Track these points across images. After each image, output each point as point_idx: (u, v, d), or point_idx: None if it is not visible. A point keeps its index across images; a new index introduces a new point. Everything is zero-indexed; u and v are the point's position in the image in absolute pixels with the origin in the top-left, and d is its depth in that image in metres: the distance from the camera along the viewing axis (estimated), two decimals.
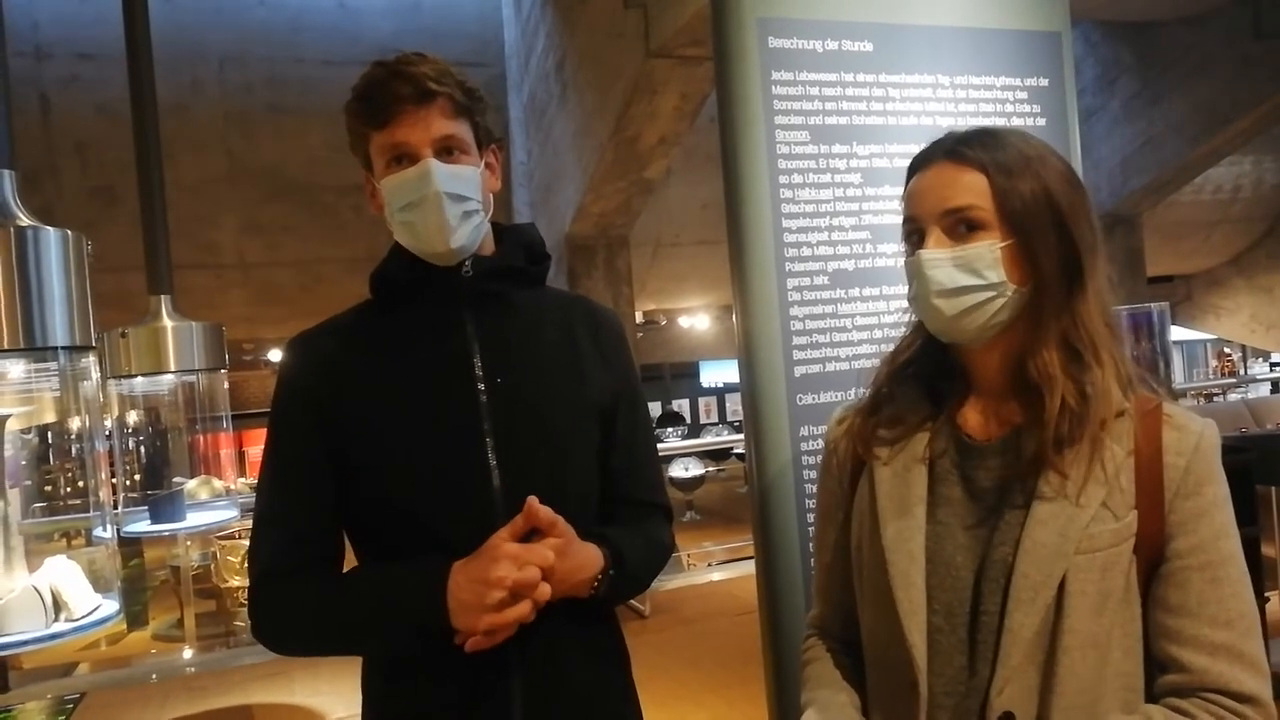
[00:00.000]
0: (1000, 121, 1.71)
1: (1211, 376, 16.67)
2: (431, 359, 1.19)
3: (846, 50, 1.64)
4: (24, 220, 1.97)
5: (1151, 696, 0.98)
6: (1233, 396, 10.34)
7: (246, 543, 1.23)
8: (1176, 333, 12.64)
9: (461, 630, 1.08)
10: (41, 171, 6.27)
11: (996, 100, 1.73)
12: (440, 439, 1.16)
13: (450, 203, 1.14)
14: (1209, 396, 10.68)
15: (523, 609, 1.08)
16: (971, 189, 1.01)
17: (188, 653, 4.99)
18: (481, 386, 1.18)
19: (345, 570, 1.21)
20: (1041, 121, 1.75)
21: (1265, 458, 3.67)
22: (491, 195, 1.24)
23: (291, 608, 1.16)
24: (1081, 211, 1.02)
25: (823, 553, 1.22)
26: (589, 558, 1.16)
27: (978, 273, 1.00)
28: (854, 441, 1.13)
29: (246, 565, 1.23)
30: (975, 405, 1.07)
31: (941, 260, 1.01)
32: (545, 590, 1.09)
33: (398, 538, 1.16)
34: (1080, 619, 0.95)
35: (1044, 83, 1.77)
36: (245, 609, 1.23)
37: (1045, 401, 0.99)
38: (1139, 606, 0.98)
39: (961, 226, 1.01)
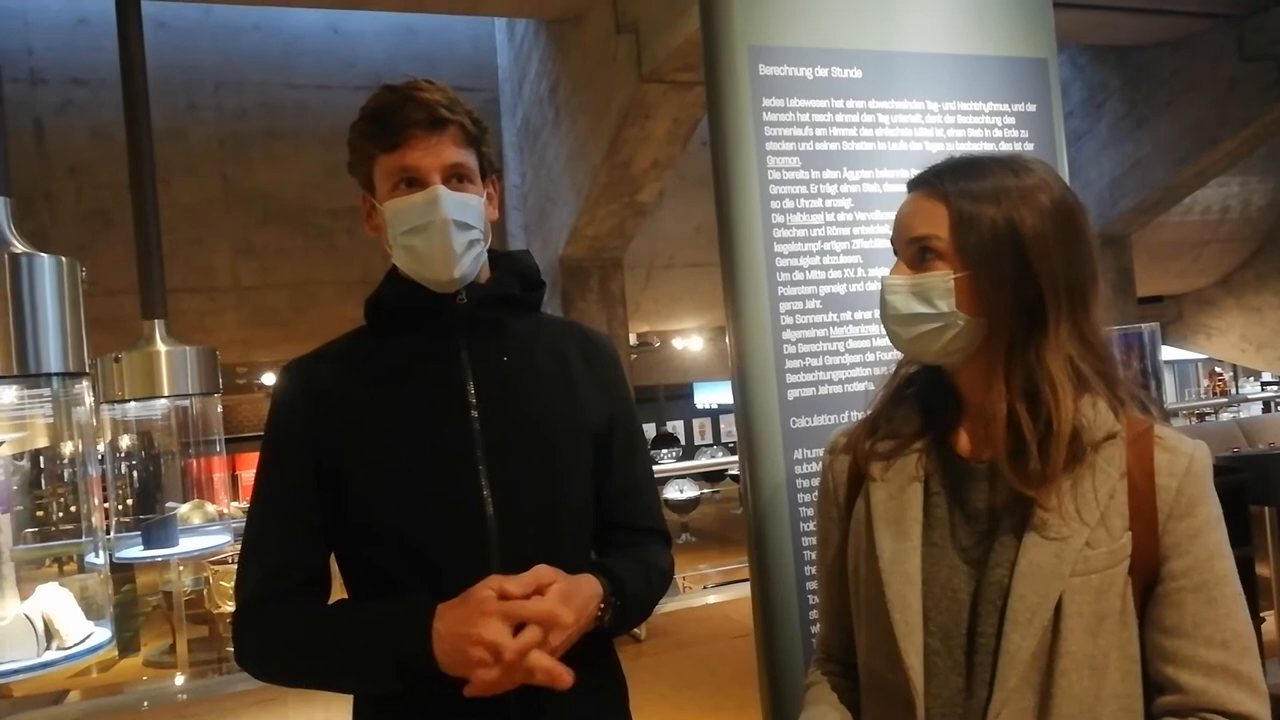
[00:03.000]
0: (988, 146, 1.73)
1: (1203, 396, 16.72)
2: (425, 387, 1.19)
3: (836, 77, 1.66)
4: (18, 247, 1.98)
5: (1150, 717, 0.99)
6: (1225, 416, 10.37)
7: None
8: (1168, 352, 12.68)
9: (453, 674, 1.05)
10: (35, 196, 6.27)
11: (985, 125, 1.75)
12: (433, 467, 1.16)
13: (457, 230, 1.15)
14: (1201, 416, 10.72)
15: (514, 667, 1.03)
16: (932, 220, 1.04)
17: (179, 679, 4.94)
18: (475, 414, 1.18)
19: (332, 601, 1.19)
20: (1030, 146, 1.77)
21: (1258, 477, 3.68)
22: (489, 224, 1.24)
23: (275, 636, 1.14)
24: (1056, 249, 1.01)
25: (822, 575, 1.23)
26: (588, 593, 1.13)
27: (930, 301, 1.03)
28: (855, 456, 1.14)
29: (234, 589, 1.21)
30: (967, 426, 1.09)
31: (899, 287, 1.05)
32: (535, 642, 1.05)
33: (389, 566, 1.15)
34: (1077, 641, 0.95)
35: (1031, 108, 1.79)
36: None
37: (992, 432, 1.01)
38: (1136, 628, 0.99)
39: (921, 256, 1.04)
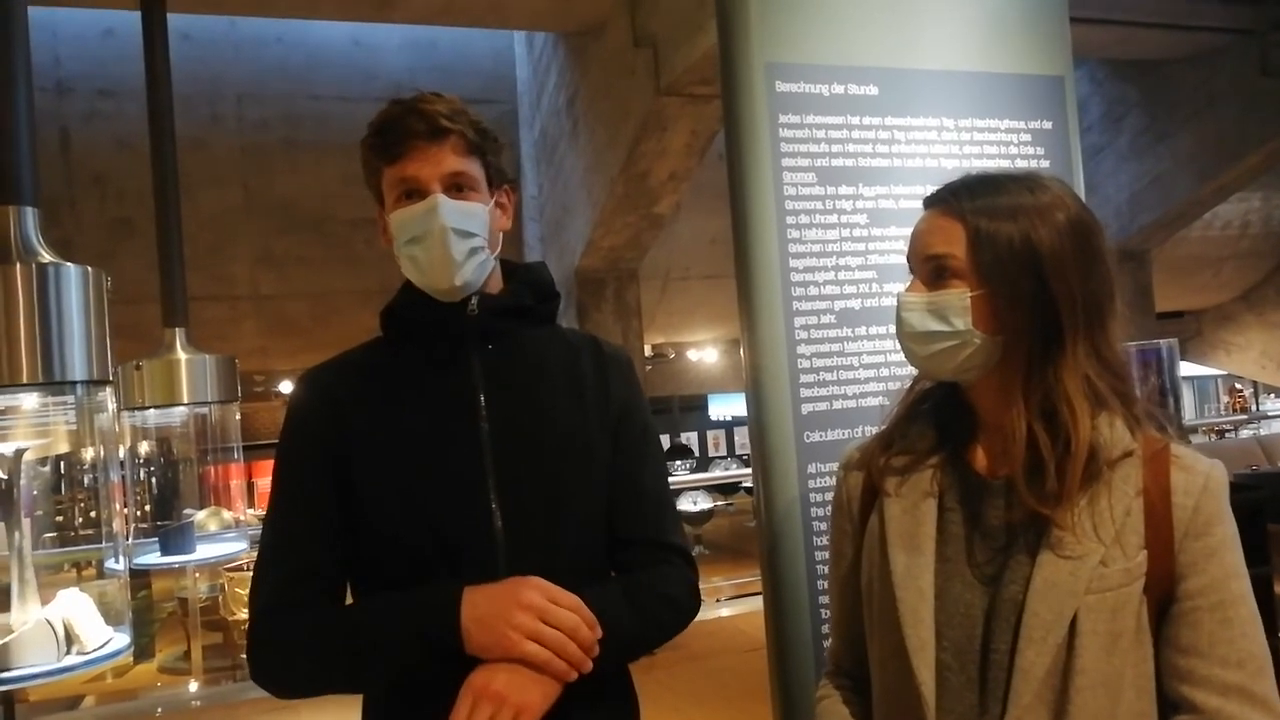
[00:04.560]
0: (1004, 164, 1.73)
1: (1223, 413, 16.56)
2: (436, 398, 1.20)
3: (853, 94, 1.67)
4: (46, 257, 2.01)
5: None
6: (1245, 433, 10.28)
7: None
8: (1188, 368, 12.57)
9: (476, 653, 1.05)
10: (61, 204, 6.36)
11: (1001, 143, 1.75)
12: (442, 480, 1.16)
13: (456, 238, 1.15)
14: (1221, 433, 10.62)
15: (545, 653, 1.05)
16: (949, 238, 1.04)
17: (194, 685, 4.97)
18: (485, 426, 1.18)
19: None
20: (1046, 163, 1.77)
21: (1277, 496, 3.64)
22: (501, 234, 1.25)
23: (292, 637, 1.13)
24: (1073, 267, 1.01)
25: (834, 589, 1.23)
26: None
27: (946, 319, 1.03)
28: (870, 471, 1.15)
29: (249, 597, 1.21)
30: (983, 442, 1.09)
31: (915, 305, 1.05)
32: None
33: (397, 576, 1.15)
34: (1092, 658, 0.95)
35: (1048, 125, 1.79)
36: None
37: (1010, 450, 1.02)
38: (1151, 646, 0.99)
39: (937, 274, 1.05)
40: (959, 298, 1.03)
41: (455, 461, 1.17)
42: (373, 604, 1.17)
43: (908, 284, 1.09)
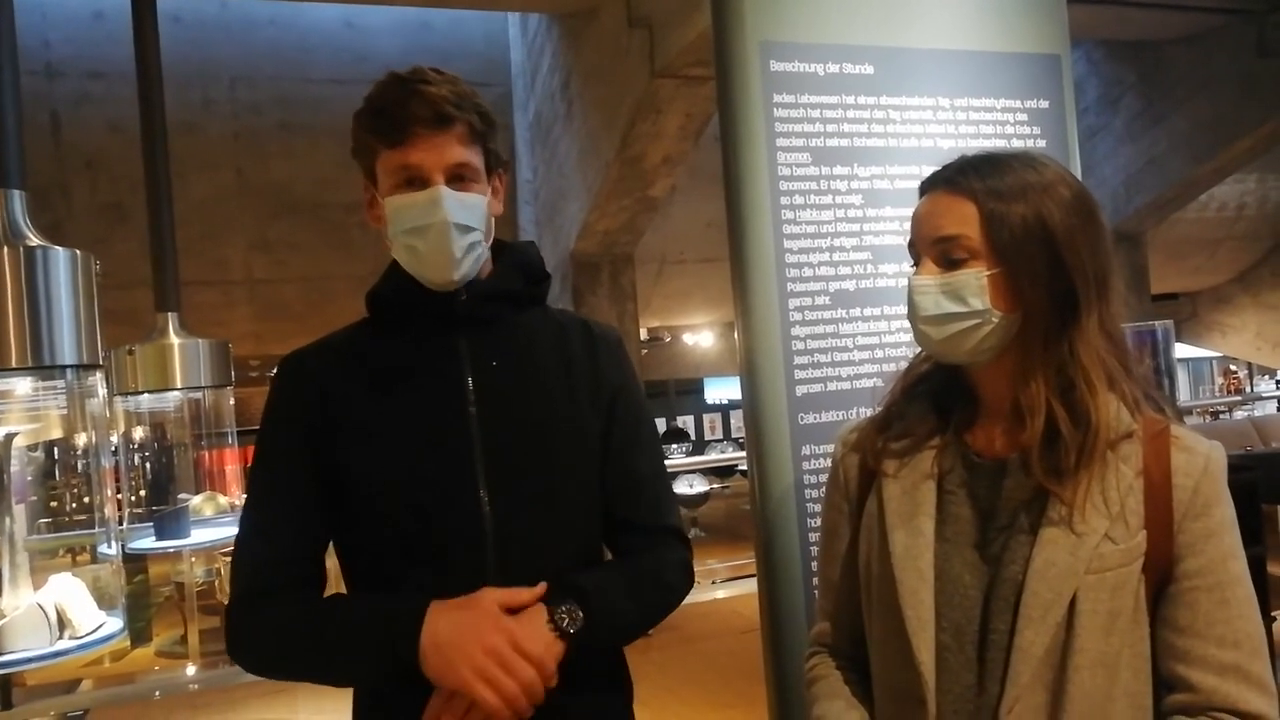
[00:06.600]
0: (1000, 143, 1.72)
1: (1218, 394, 16.62)
2: (424, 383, 1.18)
3: (848, 73, 1.65)
4: (34, 240, 1.99)
5: (1160, 716, 0.99)
6: (1239, 414, 10.32)
7: None
8: (1183, 350, 12.61)
9: (431, 678, 1.04)
10: (51, 188, 6.32)
11: (997, 122, 1.74)
12: (431, 465, 1.15)
13: (457, 233, 1.13)
14: (1215, 414, 10.65)
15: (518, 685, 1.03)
16: (961, 218, 1.03)
17: (191, 669, 4.98)
18: (473, 412, 1.17)
19: (327, 595, 1.18)
20: (1042, 143, 1.76)
21: (1271, 476, 3.66)
22: (493, 219, 1.23)
23: (263, 626, 1.13)
24: (1083, 241, 1.02)
25: (828, 569, 1.22)
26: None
27: (963, 300, 1.02)
28: (865, 454, 1.14)
29: (228, 584, 1.21)
30: (985, 424, 1.09)
31: (929, 287, 1.04)
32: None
33: (385, 562, 1.15)
34: (1090, 638, 0.96)
35: (1044, 104, 1.78)
36: None
37: (1029, 427, 1.01)
38: (1148, 626, 0.99)
39: (950, 255, 1.04)
40: (975, 277, 1.02)
41: (443, 448, 1.16)
42: (341, 604, 1.15)
43: (916, 268, 1.08)
